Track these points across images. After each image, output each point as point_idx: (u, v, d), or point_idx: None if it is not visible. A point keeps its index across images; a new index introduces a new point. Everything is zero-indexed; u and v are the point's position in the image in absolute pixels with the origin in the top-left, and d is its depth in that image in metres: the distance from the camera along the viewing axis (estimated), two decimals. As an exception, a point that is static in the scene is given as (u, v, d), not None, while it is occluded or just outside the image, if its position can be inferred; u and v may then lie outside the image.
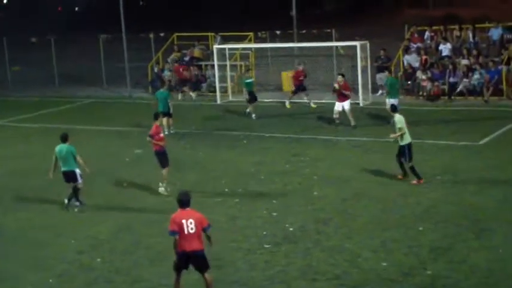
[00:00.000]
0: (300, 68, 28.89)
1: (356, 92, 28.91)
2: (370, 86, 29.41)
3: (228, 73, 31.66)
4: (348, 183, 18.09)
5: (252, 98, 26.99)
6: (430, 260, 13.19)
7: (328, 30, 33.03)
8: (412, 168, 17.68)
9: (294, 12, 31.81)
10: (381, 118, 25.57)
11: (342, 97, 24.34)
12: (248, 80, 27.37)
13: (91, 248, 14.60)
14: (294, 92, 28.76)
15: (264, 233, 14.92)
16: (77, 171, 16.81)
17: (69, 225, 16.06)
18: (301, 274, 12.89)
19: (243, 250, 14.08)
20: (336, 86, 24.35)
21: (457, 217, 15.22)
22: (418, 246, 13.78)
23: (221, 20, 53.93)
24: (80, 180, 16.83)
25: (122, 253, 14.27)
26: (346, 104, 24.46)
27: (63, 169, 16.88)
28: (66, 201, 16.98)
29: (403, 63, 30.45)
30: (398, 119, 17.78)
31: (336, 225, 15.17)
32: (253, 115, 26.63)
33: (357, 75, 28.70)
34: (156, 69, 34.05)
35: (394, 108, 18.29)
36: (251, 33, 34.23)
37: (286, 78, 32.76)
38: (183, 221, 11.57)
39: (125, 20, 32.92)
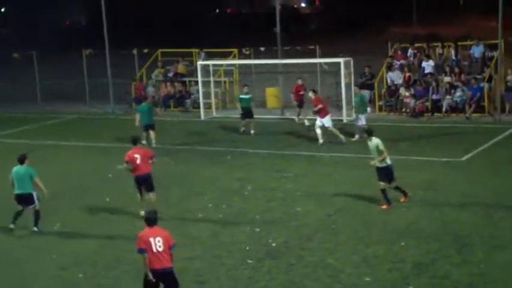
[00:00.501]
0: (300, 82, 28.89)
1: (340, 108, 29.10)
2: (353, 103, 29.47)
3: (212, 89, 31.69)
4: (331, 199, 18.11)
5: (249, 115, 26.77)
6: (412, 275, 13.21)
7: (312, 47, 33.18)
8: (396, 187, 17.37)
9: (278, 29, 31.92)
10: (364, 134, 25.67)
11: (322, 113, 24.38)
12: (245, 97, 27.02)
13: (73, 264, 14.49)
14: (299, 107, 28.64)
15: (247, 248, 14.89)
16: (34, 193, 16.36)
17: (50, 242, 15.93)
18: (284, 290, 12.85)
19: (227, 265, 14.04)
20: (315, 109, 24.44)
21: (439, 233, 15.26)
22: (401, 262, 13.81)
23: (206, 36, 54.07)
24: (36, 202, 16.35)
25: (104, 269, 14.18)
26: (326, 121, 24.41)
27: (17, 192, 16.33)
28: (35, 228, 16.41)
29: (386, 80, 30.64)
30: (378, 142, 17.20)
31: (319, 241, 15.16)
32: (252, 131, 26.55)
33: (341, 92, 28.83)
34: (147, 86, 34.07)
35: (370, 132, 17.55)
36: (235, 50, 34.33)
37: (270, 95, 32.88)
38: (151, 239, 11.51)
39: (108, 36, 32.93)
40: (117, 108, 33.97)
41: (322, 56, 32.80)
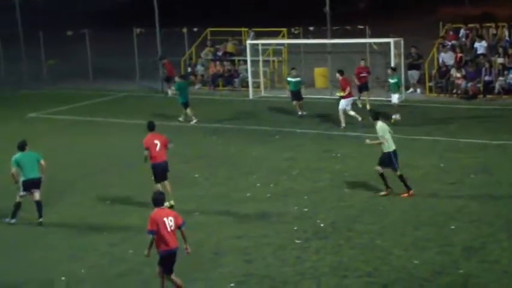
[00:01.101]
0: (362, 64, 28.12)
1: (389, 89, 28.75)
2: (403, 83, 29.18)
3: (261, 68, 31.67)
4: (378, 180, 17.95)
5: (298, 97, 26.32)
6: (462, 259, 13.06)
7: (362, 27, 32.80)
8: (401, 178, 16.66)
9: (327, 9, 31.63)
10: (413, 115, 25.43)
11: (348, 95, 24.00)
12: (294, 80, 26.50)
13: (122, 240, 14.71)
14: (360, 91, 27.43)
15: (295, 228, 14.90)
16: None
17: (101, 217, 16.21)
18: (332, 270, 12.86)
19: (274, 245, 14.08)
20: (343, 94, 23.94)
21: (490, 217, 15.04)
22: (450, 245, 13.66)
23: (255, 15, 53.91)
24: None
25: (153, 246, 14.34)
26: (342, 103, 23.93)
27: (31, 176, 15.85)
28: (41, 219, 15.96)
29: (437, 60, 30.16)
30: (380, 127, 16.80)
31: (366, 222, 15.09)
32: (300, 113, 26.18)
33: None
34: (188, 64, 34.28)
35: (376, 117, 17.11)
36: (284, 29, 34.18)
37: (319, 75, 32.68)
38: (164, 219, 11.58)
39: (159, 15, 33.12)
40: (165, 86, 34.17)
41: (371, 36, 32.42)
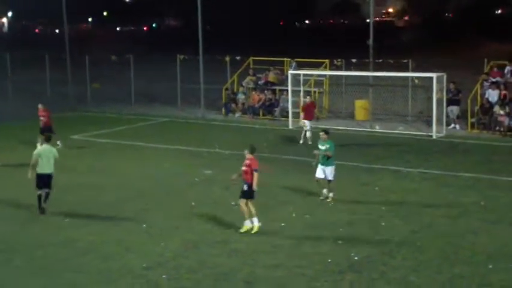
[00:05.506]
0: (308, 100, 28.72)
1: (430, 124, 28.60)
2: (444, 119, 29.01)
3: (302, 99, 31.73)
4: (416, 215, 17.78)
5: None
6: (499, 299, 12.81)
7: (405, 61, 32.73)
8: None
9: (370, 41, 31.66)
10: (454, 151, 25.16)
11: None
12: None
13: (157, 265, 14.77)
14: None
15: (329, 260, 14.79)
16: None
17: (138, 241, 16.30)
18: (365, 305, 12.70)
19: (307, 276, 13.99)
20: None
21: (530, 257, 14.73)
22: (488, 285, 13.40)
23: (297, 46, 54.19)
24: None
25: (187, 271, 14.38)
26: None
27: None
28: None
29: (481, 96, 29.87)
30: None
31: (402, 257, 14.91)
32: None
33: (432, 107, 28.33)
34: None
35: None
36: (327, 61, 34.27)
37: (359, 107, 32.63)
38: None
39: (203, 42, 33.51)
40: (207, 113, 34.49)
41: (415, 69, 32.31)
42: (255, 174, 16.47)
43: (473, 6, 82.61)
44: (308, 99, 28.05)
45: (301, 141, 26.86)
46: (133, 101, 38.09)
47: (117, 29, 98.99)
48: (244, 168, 16.63)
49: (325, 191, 19.18)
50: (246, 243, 15.90)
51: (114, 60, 37.77)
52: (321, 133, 19.36)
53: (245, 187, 16.57)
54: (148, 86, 41.06)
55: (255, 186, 16.47)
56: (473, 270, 14.15)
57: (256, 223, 16.50)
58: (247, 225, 16.54)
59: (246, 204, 16.55)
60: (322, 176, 19.10)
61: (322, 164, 19.02)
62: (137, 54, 39.47)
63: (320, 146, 19.13)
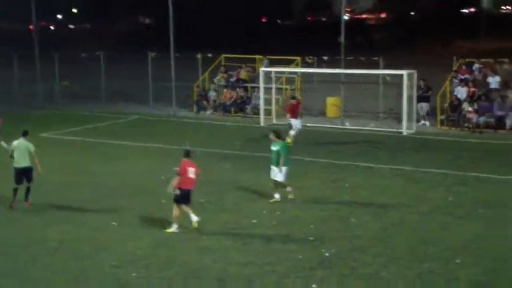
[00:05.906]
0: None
1: (400, 121, 28.84)
2: (414, 116, 29.26)
3: (274, 96, 31.79)
4: (387, 212, 17.90)
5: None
6: (467, 294, 12.94)
7: (376, 58, 32.93)
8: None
9: (342, 39, 31.78)
10: (424, 147, 25.37)
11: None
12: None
13: (128, 263, 14.68)
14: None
15: (300, 257, 14.83)
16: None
17: (108, 239, 16.19)
18: (335, 301, 12.75)
19: (278, 273, 14.00)
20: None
21: (499, 252, 14.91)
22: (456, 280, 13.54)
23: (268, 43, 54.27)
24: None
25: (157, 269, 14.32)
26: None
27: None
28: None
29: (450, 94, 30.17)
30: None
31: (373, 254, 14.99)
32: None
33: (402, 104, 28.57)
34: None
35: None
36: (298, 58, 34.33)
37: (331, 104, 32.75)
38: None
39: (174, 40, 33.37)
40: (179, 111, 34.39)
41: (386, 67, 32.55)
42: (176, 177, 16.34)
43: (445, 4, 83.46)
44: (294, 101, 27.68)
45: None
46: (104, 99, 37.81)
47: (88, 26, 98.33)
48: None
49: (277, 195, 18.82)
50: (217, 240, 15.88)
51: (84, 58, 37.42)
52: (270, 134, 18.81)
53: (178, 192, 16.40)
54: (120, 84, 40.79)
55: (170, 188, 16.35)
56: (442, 265, 14.27)
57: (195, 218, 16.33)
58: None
59: (181, 208, 16.41)
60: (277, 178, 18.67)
61: (276, 166, 18.63)
62: (108, 52, 39.16)
63: (272, 147, 18.74)
